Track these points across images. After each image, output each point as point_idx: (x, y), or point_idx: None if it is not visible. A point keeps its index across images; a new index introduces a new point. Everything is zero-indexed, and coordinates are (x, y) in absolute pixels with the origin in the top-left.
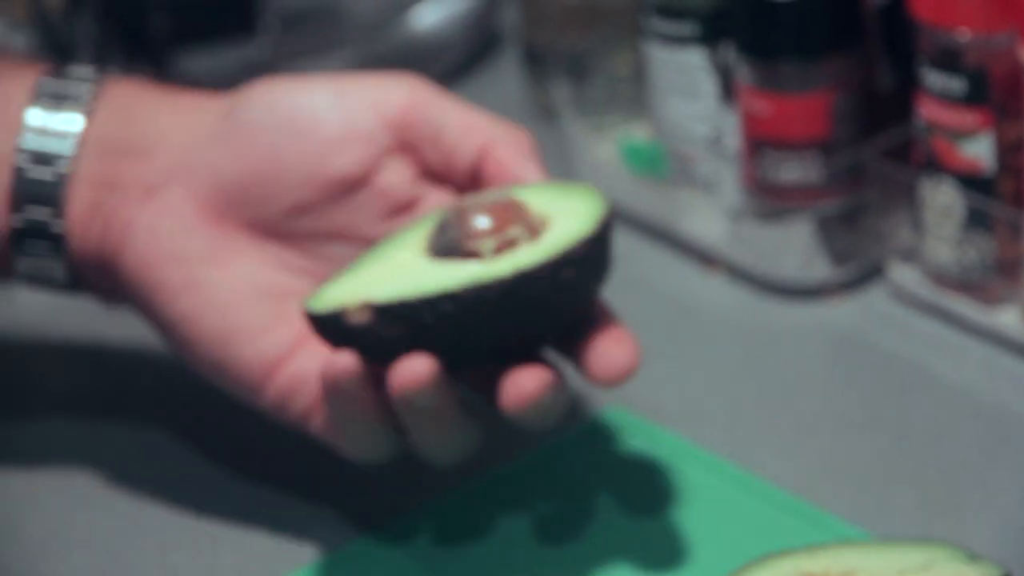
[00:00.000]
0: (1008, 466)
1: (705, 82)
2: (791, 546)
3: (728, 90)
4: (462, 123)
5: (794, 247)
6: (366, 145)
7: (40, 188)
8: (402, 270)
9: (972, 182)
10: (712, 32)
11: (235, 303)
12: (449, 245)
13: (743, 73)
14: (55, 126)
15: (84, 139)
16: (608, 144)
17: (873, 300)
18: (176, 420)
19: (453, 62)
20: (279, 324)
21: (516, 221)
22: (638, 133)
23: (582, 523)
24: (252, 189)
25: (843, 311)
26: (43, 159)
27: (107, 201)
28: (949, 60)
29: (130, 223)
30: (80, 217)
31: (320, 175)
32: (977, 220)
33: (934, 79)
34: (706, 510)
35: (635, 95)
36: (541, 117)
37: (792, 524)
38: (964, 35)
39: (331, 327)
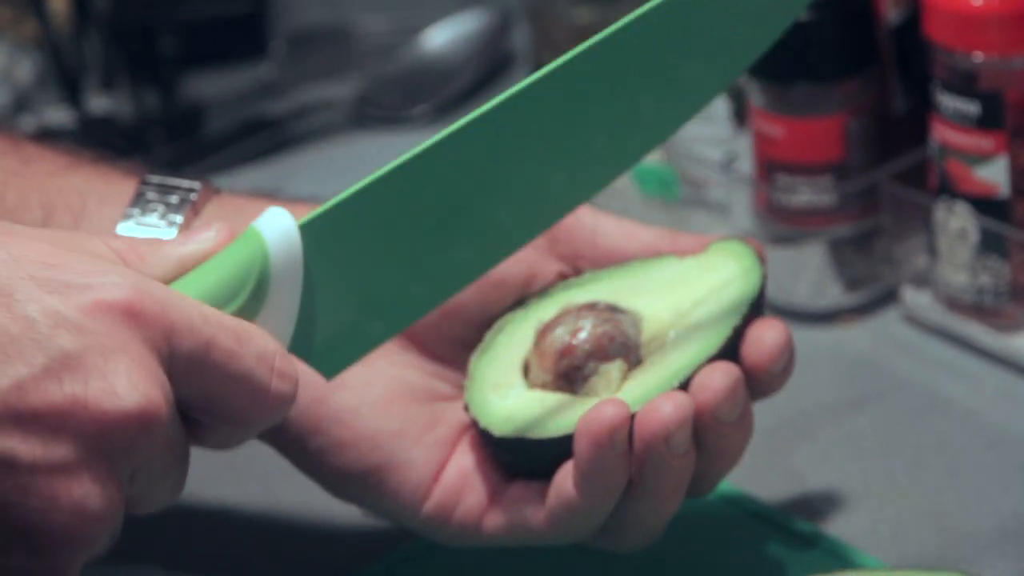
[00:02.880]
0: (1022, 492)
1: (718, 105)
2: (803, 575)
3: (741, 113)
4: (621, 229)
5: (807, 271)
6: (530, 249)
7: None
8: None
9: (986, 206)
10: None
11: (392, 402)
12: (572, 377)
13: (756, 96)
14: (154, 222)
15: None
16: None
17: (886, 325)
18: None
19: (463, 84)
20: (437, 423)
21: (616, 352)
22: (650, 156)
23: (591, 548)
24: None
25: (856, 336)
26: None
27: None
28: (963, 83)
29: None
30: None
31: (486, 278)
32: (991, 244)
33: (948, 102)
34: (716, 538)
35: None
36: None
37: (804, 552)
38: (978, 58)
39: (512, 447)
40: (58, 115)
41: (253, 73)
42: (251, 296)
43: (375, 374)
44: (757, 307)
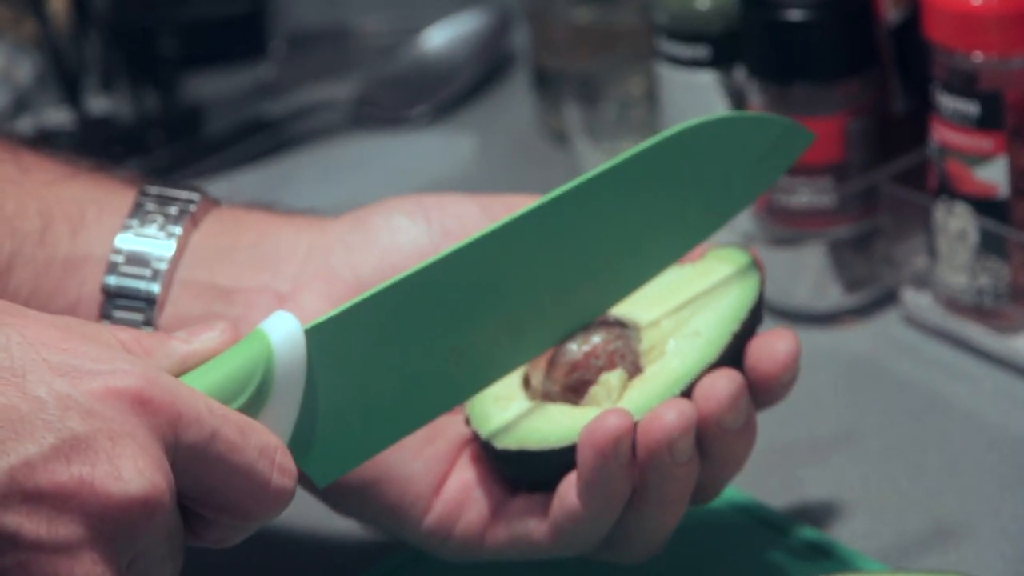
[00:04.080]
0: (1022, 494)
1: (717, 105)
2: None
3: None
4: None
5: (807, 273)
6: None
7: (133, 292)
8: (558, 413)
9: (986, 206)
10: (724, 55)
11: None
12: (572, 387)
13: (756, 96)
14: (153, 233)
15: (190, 244)
16: None
17: (886, 326)
18: None
19: (463, 85)
20: (437, 436)
21: (621, 359)
22: None
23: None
24: None
25: (856, 337)
26: (138, 260)
27: (220, 308)
28: (963, 84)
29: None
30: (181, 323)
31: None
32: (991, 245)
33: (948, 103)
34: (716, 540)
35: (646, 118)
36: (551, 140)
37: (804, 554)
38: (978, 58)
39: (514, 460)
40: (58, 116)
41: (253, 73)
42: (253, 396)
43: None
44: (756, 313)
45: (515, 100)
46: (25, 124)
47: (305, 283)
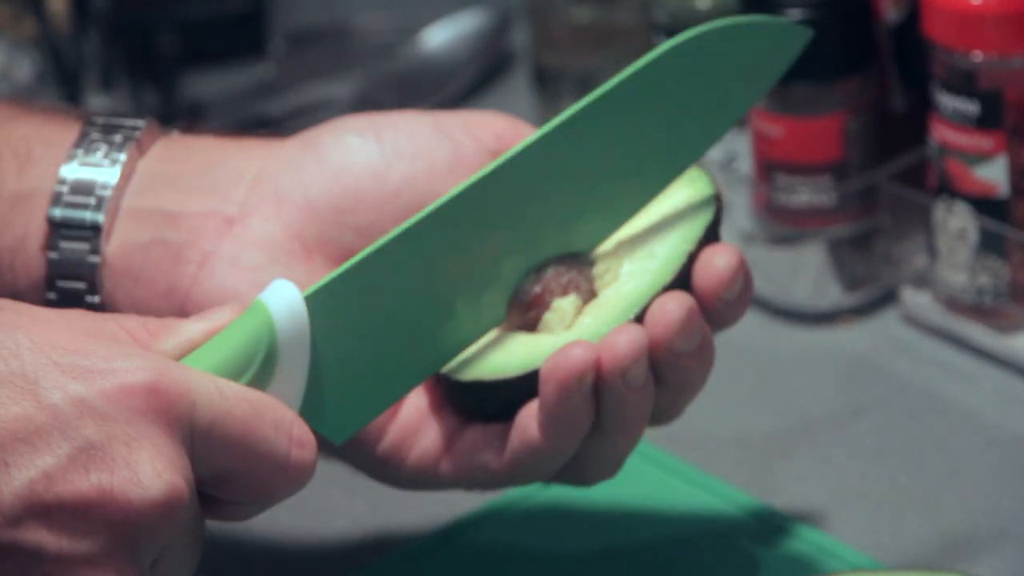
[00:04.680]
0: (1022, 493)
1: None
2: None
3: None
4: None
5: (806, 271)
6: (473, 172)
7: (78, 221)
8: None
9: (986, 206)
10: None
11: None
12: (528, 324)
13: None
14: (98, 160)
15: (137, 171)
16: None
17: (886, 325)
18: None
19: (463, 83)
20: None
21: (574, 288)
22: None
23: (592, 551)
24: (350, 217)
25: (855, 336)
26: (83, 189)
27: (168, 234)
28: (963, 83)
29: (210, 255)
30: (128, 250)
31: (428, 200)
32: (991, 244)
33: (948, 102)
34: (716, 539)
35: None
36: None
37: (803, 553)
38: (978, 57)
39: (469, 391)
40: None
41: (252, 72)
42: (260, 369)
43: None
44: (712, 232)
45: (515, 99)
46: None
47: (253, 207)
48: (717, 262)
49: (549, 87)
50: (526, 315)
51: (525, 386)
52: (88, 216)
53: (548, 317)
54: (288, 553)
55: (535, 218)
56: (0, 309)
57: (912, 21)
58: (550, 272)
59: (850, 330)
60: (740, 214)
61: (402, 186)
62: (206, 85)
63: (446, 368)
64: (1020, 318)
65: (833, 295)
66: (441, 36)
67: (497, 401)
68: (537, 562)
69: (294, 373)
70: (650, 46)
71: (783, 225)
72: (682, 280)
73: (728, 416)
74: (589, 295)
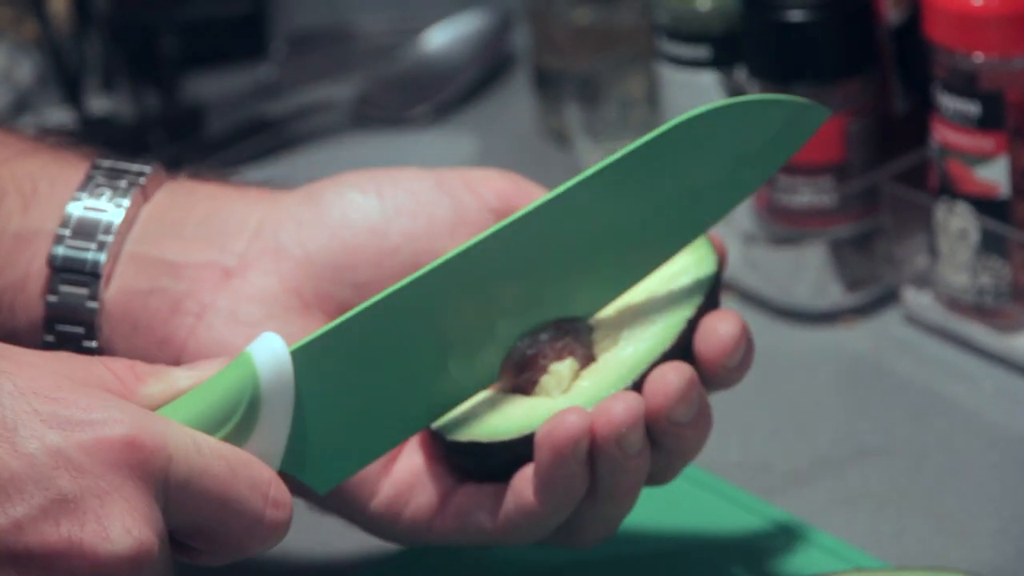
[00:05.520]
0: (1022, 493)
1: None
2: (804, 575)
3: None
4: None
5: (807, 272)
6: (475, 231)
7: (79, 264)
8: (512, 406)
9: (987, 206)
10: (725, 55)
11: None
12: (522, 386)
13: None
14: (102, 204)
15: (140, 217)
16: None
17: (887, 325)
18: None
19: (464, 85)
20: None
21: (569, 353)
22: None
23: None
24: (349, 273)
25: (857, 336)
26: (85, 232)
27: (167, 283)
28: (964, 83)
29: (207, 307)
30: (128, 296)
31: (429, 257)
32: (992, 245)
33: (949, 103)
34: (716, 538)
35: (647, 118)
36: (552, 141)
37: (805, 552)
38: (979, 58)
39: (464, 451)
40: (58, 116)
41: (253, 74)
42: (242, 420)
43: None
44: (712, 297)
45: (515, 100)
46: (26, 124)
47: (253, 259)
48: (720, 330)
49: (549, 89)
50: (519, 376)
51: (522, 449)
52: (89, 258)
53: (545, 380)
54: (288, 553)
55: (534, 282)
56: None
57: (913, 22)
58: (546, 335)
59: (851, 330)
60: (741, 214)
61: (402, 243)
62: (207, 87)
63: (441, 426)
64: (1021, 318)
65: (834, 295)
66: (442, 38)
67: (493, 463)
68: (538, 566)
69: (278, 424)
70: (651, 47)
71: (784, 225)
72: (682, 346)
73: (728, 415)
74: (587, 359)
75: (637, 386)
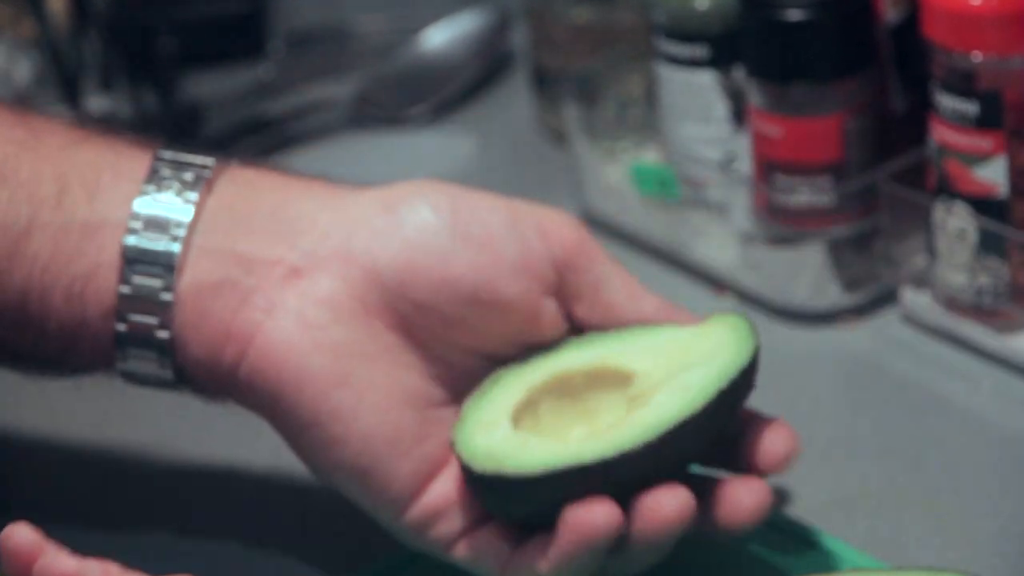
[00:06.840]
0: (1022, 493)
1: (716, 105)
2: (804, 575)
3: (739, 113)
4: (627, 288)
5: (806, 272)
6: (536, 279)
7: (152, 255)
8: (550, 440)
9: (985, 206)
10: (723, 54)
11: (390, 406)
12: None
13: (755, 96)
14: (171, 198)
15: (207, 209)
16: (618, 167)
17: (885, 325)
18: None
19: (462, 85)
20: (429, 436)
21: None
22: (648, 156)
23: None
24: (411, 291)
25: (855, 336)
26: (158, 226)
27: (238, 276)
28: (962, 83)
29: (275, 305)
30: (198, 288)
31: (488, 294)
32: (990, 244)
33: (947, 102)
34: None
35: (645, 118)
36: (550, 140)
37: (803, 553)
38: (977, 58)
39: (491, 484)
40: (57, 115)
41: (252, 73)
42: None
43: (378, 374)
44: (747, 375)
45: (514, 100)
46: None
47: (322, 260)
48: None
49: (548, 88)
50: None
51: (544, 488)
52: (162, 249)
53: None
54: (288, 554)
55: None
56: None
57: (911, 21)
58: None
59: (850, 330)
60: (740, 214)
61: (465, 274)
62: (205, 86)
63: (473, 459)
64: (1020, 318)
65: (833, 295)
66: (440, 37)
67: (515, 498)
68: None
69: None
70: (649, 47)
71: (783, 225)
72: (709, 413)
73: None
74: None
75: (660, 441)
